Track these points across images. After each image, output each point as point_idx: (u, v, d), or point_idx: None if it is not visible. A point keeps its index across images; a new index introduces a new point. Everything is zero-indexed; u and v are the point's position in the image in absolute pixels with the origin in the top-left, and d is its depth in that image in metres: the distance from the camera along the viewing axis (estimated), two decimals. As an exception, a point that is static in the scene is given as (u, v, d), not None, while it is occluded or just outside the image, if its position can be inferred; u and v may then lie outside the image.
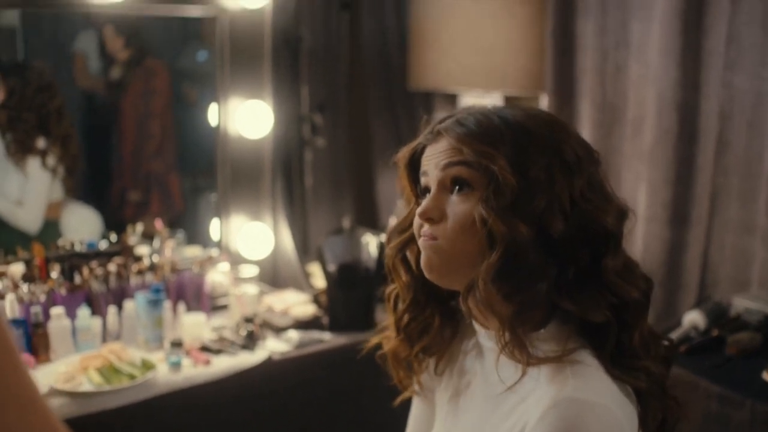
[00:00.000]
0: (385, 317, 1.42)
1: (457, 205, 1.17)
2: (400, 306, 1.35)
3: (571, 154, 1.15)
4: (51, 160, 2.94)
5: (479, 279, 1.14)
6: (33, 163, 2.91)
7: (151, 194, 3.40)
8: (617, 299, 1.15)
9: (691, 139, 2.84)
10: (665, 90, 2.83)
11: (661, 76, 2.84)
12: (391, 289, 1.37)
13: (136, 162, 3.40)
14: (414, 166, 1.28)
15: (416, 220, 1.22)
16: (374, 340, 1.45)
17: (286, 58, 3.40)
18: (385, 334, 1.42)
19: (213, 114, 3.24)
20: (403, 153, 1.29)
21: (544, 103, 3.23)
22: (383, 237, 2.90)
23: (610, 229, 1.15)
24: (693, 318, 2.59)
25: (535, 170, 1.13)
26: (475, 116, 1.19)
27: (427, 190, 1.23)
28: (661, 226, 2.92)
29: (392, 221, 3.31)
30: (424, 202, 1.20)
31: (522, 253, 1.11)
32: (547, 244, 1.13)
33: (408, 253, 1.31)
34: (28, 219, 2.95)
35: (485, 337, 1.24)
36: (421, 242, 1.21)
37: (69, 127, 3.01)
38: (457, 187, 1.18)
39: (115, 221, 3.16)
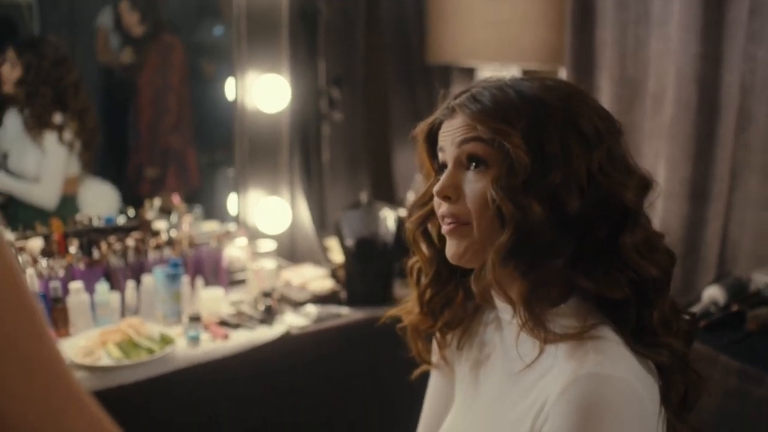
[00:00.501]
0: (404, 291, 1.42)
1: (473, 183, 1.16)
2: (423, 280, 1.35)
3: (589, 127, 1.14)
4: (68, 134, 2.94)
5: (488, 260, 1.14)
6: (50, 138, 2.92)
7: (168, 169, 3.40)
8: (636, 276, 1.14)
9: (711, 114, 2.81)
10: (686, 64, 2.79)
11: (681, 50, 2.80)
12: (413, 261, 1.37)
13: (153, 137, 3.40)
14: (432, 140, 1.27)
15: (435, 199, 1.21)
16: (393, 312, 1.45)
17: (304, 31, 3.38)
18: (406, 308, 1.41)
19: (230, 88, 3.23)
20: (421, 128, 1.28)
21: (562, 77, 3.20)
22: (401, 211, 2.90)
23: (628, 204, 1.14)
24: (713, 293, 2.57)
25: (550, 145, 1.11)
26: (491, 91, 1.17)
27: (444, 165, 1.22)
28: (680, 201, 2.89)
29: (410, 195, 3.30)
30: (441, 180, 1.20)
31: (534, 233, 1.10)
32: (563, 220, 1.12)
33: (429, 227, 1.30)
34: (46, 195, 2.96)
35: (504, 311, 1.23)
36: (443, 228, 1.21)
37: (86, 101, 3.01)
38: (473, 164, 1.17)
39: (132, 196, 3.17)
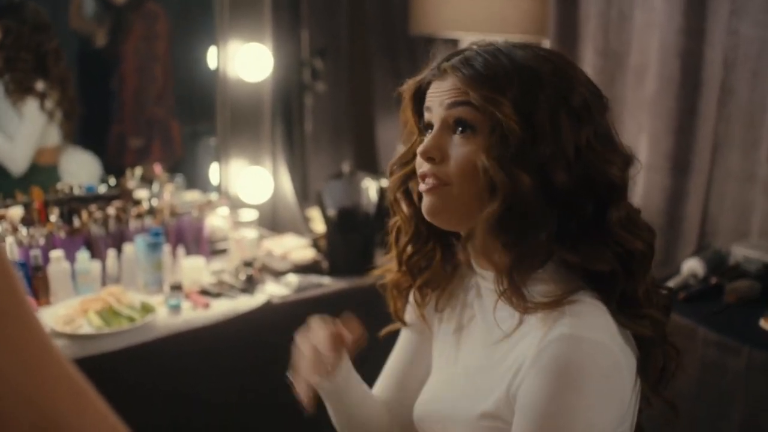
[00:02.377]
0: (385, 260, 1.42)
1: (459, 147, 1.16)
2: (402, 239, 1.35)
3: (579, 101, 1.13)
4: (49, 103, 2.92)
5: (477, 228, 1.14)
6: (31, 105, 2.89)
7: (153, 140, 3.38)
8: (622, 250, 1.15)
9: (694, 88, 2.82)
10: (669, 37, 2.80)
11: (665, 23, 2.80)
12: (394, 221, 1.36)
13: (138, 107, 3.37)
14: (419, 99, 1.26)
15: (418, 158, 1.20)
16: (378, 272, 1.45)
17: (287, 1, 3.36)
18: (388, 267, 1.42)
19: (212, 57, 3.21)
20: (409, 85, 1.27)
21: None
22: (383, 181, 2.90)
23: (615, 180, 1.14)
24: (692, 265, 2.59)
25: (541, 116, 1.11)
26: (484, 56, 1.16)
27: (429, 126, 1.21)
28: (662, 174, 2.91)
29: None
30: (426, 141, 1.19)
31: (523, 203, 1.10)
32: (550, 193, 1.12)
33: (410, 185, 1.30)
34: (15, 158, 2.92)
35: (485, 278, 1.24)
36: (421, 186, 1.20)
37: (66, 70, 2.98)
38: (459, 128, 1.16)
39: (115, 166, 3.14)
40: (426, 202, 1.20)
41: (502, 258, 1.15)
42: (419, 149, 1.19)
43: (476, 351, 1.27)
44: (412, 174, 1.27)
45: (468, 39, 3.35)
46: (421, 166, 1.20)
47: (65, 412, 0.66)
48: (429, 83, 1.23)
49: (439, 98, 1.19)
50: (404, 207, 1.32)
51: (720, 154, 2.80)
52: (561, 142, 1.11)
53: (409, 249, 1.35)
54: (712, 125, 2.79)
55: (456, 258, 1.36)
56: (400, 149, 1.34)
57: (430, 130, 1.20)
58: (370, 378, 1.76)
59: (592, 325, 1.09)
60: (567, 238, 1.15)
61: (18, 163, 2.94)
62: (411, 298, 1.43)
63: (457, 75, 1.16)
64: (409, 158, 1.29)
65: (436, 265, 1.35)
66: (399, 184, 1.31)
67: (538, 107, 1.11)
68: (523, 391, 1.10)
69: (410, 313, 1.46)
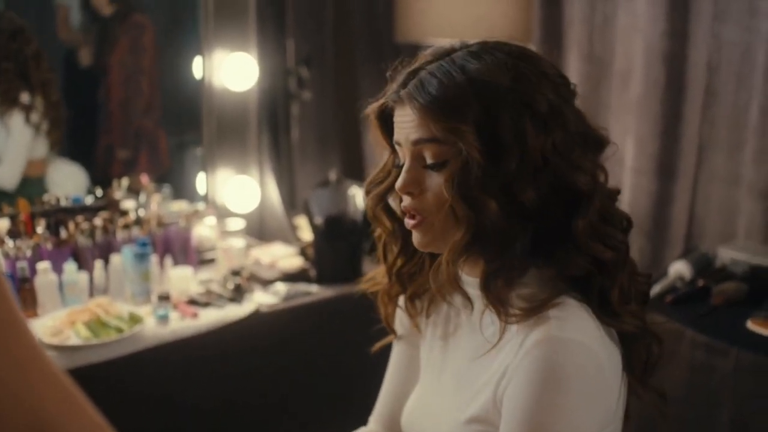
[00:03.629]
0: (372, 268, 1.42)
1: (433, 179, 1.16)
2: (391, 252, 1.35)
3: (544, 106, 1.11)
4: (35, 116, 2.91)
5: (443, 257, 1.15)
6: (17, 119, 2.88)
7: (140, 151, 3.37)
8: (596, 257, 1.14)
9: (678, 91, 2.83)
10: (653, 41, 2.81)
11: (648, 27, 2.82)
12: (378, 234, 1.37)
13: (125, 118, 3.36)
14: (385, 119, 1.25)
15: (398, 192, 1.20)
16: (362, 286, 1.45)
17: (272, 10, 3.36)
18: (373, 277, 1.42)
19: (198, 67, 3.21)
20: (373, 109, 1.25)
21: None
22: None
23: (582, 187, 1.13)
24: (679, 268, 2.60)
25: (504, 132, 1.09)
26: (437, 77, 1.13)
27: (399, 163, 1.21)
28: (648, 178, 2.92)
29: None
30: (402, 177, 1.18)
31: (489, 228, 1.11)
32: (518, 210, 1.12)
33: (390, 201, 1.30)
34: (6, 176, 2.92)
35: (470, 285, 1.24)
36: (407, 224, 1.20)
37: (48, 72, 2.97)
38: (429, 162, 1.16)
39: (102, 178, 3.13)
40: (415, 238, 1.21)
41: (480, 270, 1.16)
42: (397, 185, 1.19)
43: (463, 356, 1.27)
44: (390, 189, 1.27)
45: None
46: (403, 200, 1.20)
47: (56, 414, 0.67)
48: (392, 108, 1.21)
49: (404, 132, 1.17)
50: (386, 221, 1.32)
51: (705, 156, 2.82)
52: (526, 153, 1.10)
53: (400, 261, 1.35)
54: (697, 128, 2.81)
55: None
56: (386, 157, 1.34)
57: (404, 163, 1.19)
58: (361, 392, 1.76)
59: (575, 327, 1.10)
60: (541, 247, 1.15)
61: (10, 181, 2.94)
62: (401, 308, 1.43)
63: (415, 105, 1.14)
64: (384, 176, 1.29)
65: (426, 272, 1.35)
66: (377, 201, 1.31)
67: (501, 124, 1.09)
68: (509, 393, 1.11)
69: (402, 324, 1.46)
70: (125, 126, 3.37)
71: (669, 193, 2.91)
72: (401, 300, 1.41)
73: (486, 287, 1.14)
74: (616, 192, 1.23)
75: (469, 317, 1.28)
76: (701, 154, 2.82)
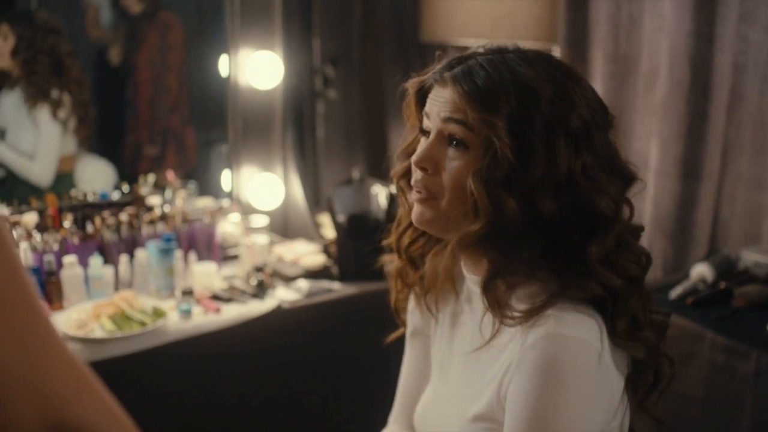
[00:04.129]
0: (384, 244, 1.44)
1: (452, 161, 1.17)
2: (401, 225, 1.37)
3: (578, 124, 1.13)
4: (62, 113, 2.95)
5: (451, 242, 1.17)
6: (44, 113, 2.93)
7: (167, 148, 3.41)
8: (601, 285, 1.14)
9: (703, 93, 2.82)
10: (679, 42, 2.80)
11: (674, 28, 2.81)
12: (400, 210, 1.38)
13: (152, 116, 3.40)
14: (422, 96, 1.26)
15: (413, 165, 1.22)
16: (385, 259, 1.47)
17: (298, 9, 3.39)
18: (392, 256, 1.43)
19: (224, 65, 3.24)
20: (413, 82, 1.28)
21: (556, 54, 3.21)
22: (393, 188, 2.91)
23: (603, 212, 1.14)
24: (701, 270, 2.58)
25: (535, 140, 1.11)
26: (486, 69, 1.15)
27: (427, 132, 1.22)
28: (672, 180, 2.91)
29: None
30: (420, 150, 1.20)
31: (504, 227, 1.12)
32: (534, 218, 1.13)
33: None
34: (41, 173, 2.97)
35: (474, 282, 1.25)
36: (413, 196, 1.22)
37: (80, 72, 3.02)
38: (454, 142, 1.17)
39: (130, 174, 3.17)
40: (415, 212, 1.22)
41: (486, 269, 1.17)
42: (413, 158, 1.21)
43: (468, 354, 1.28)
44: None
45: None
46: (415, 173, 1.21)
47: (69, 398, 0.68)
48: (431, 86, 1.23)
49: (437, 108, 1.19)
50: (407, 196, 1.32)
51: (730, 158, 2.80)
52: (554, 167, 1.11)
53: (407, 237, 1.36)
54: (722, 130, 2.79)
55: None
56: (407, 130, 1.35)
57: (427, 136, 1.21)
58: (382, 389, 1.77)
59: (574, 323, 1.10)
60: (552, 261, 1.15)
61: (45, 178, 2.99)
62: (411, 304, 1.44)
63: (457, 88, 1.16)
64: (412, 150, 1.29)
65: (436, 254, 1.36)
66: (402, 174, 1.32)
67: (533, 130, 1.11)
68: (511, 390, 1.12)
69: (414, 319, 1.46)
70: (153, 123, 3.41)
71: (693, 195, 2.90)
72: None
73: (486, 287, 1.16)
74: (640, 228, 1.24)
75: (472, 314, 1.29)
76: (726, 156, 2.81)
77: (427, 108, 1.22)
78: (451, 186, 1.16)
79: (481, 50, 1.22)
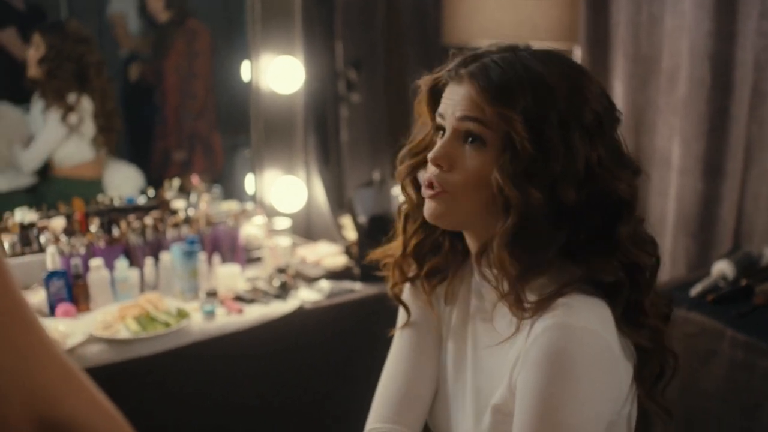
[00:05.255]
0: (391, 243, 1.42)
1: (469, 159, 1.18)
2: (410, 226, 1.36)
3: (591, 118, 1.15)
4: (74, 117, 3.00)
5: (494, 243, 1.16)
6: (55, 114, 2.99)
7: (195, 153, 3.46)
8: (629, 262, 1.16)
9: (725, 90, 2.81)
10: (699, 41, 2.79)
11: (695, 27, 2.80)
12: (402, 205, 1.38)
13: (180, 122, 3.45)
14: (435, 94, 1.27)
15: (429, 164, 1.22)
16: (375, 256, 1.43)
17: (320, 13, 3.42)
18: (389, 250, 1.41)
19: (246, 70, 3.28)
20: (426, 80, 1.28)
21: (577, 55, 3.21)
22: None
23: (624, 196, 1.16)
24: (722, 267, 2.57)
25: (552, 134, 1.12)
26: (501, 66, 1.16)
27: (441, 128, 1.23)
28: (695, 178, 2.90)
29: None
30: (437, 148, 1.21)
31: (534, 219, 1.13)
32: (559, 209, 1.14)
33: (419, 175, 1.31)
34: (25, 160, 3.02)
35: (485, 278, 1.24)
36: (426, 192, 1.22)
37: (107, 83, 3.07)
38: (470, 139, 1.18)
39: (158, 179, 3.21)
40: (428, 207, 1.22)
41: (510, 268, 1.16)
42: (430, 155, 1.21)
43: (480, 346, 1.28)
44: (422, 163, 1.29)
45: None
46: (429, 170, 1.22)
47: (58, 395, 0.70)
48: (445, 83, 1.24)
49: (452, 107, 1.20)
50: (412, 193, 1.33)
51: (753, 156, 2.79)
52: (572, 160, 1.13)
53: (418, 235, 1.35)
54: (745, 127, 2.78)
55: (465, 245, 1.34)
56: (416, 127, 1.36)
57: (441, 133, 1.23)
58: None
59: (582, 313, 1.11)
60: (575, 251, 1.17)
61: (28, 164, 3.03)
62: (408, 295, 1.42)
63: (473, 85, 1.17)
64: (420, 149, 1.31)
65: (445, 252, 1.36)
66: (408, 172, 1.33)
67: (549, 125, 1.12)
68: (520, 379, 1.13)
69: (415, 311, 1.42)
70: (180, 129, 3.45)
71: (716, 193, 2.88)
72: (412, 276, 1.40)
73: (512, 283, 1.15)
74: (641, 220, 1.24)
75: (483, 309, 1.29)
76: (749, 153, 2.79)
77: (441, 107, 1.23)
78: (469, 182, 1.17)
79: (493, 48, 1.23)
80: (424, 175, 1.26)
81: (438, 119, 1.24)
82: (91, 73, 3.01)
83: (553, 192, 1.13)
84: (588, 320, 1.11)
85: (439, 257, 1.37)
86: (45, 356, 0.70)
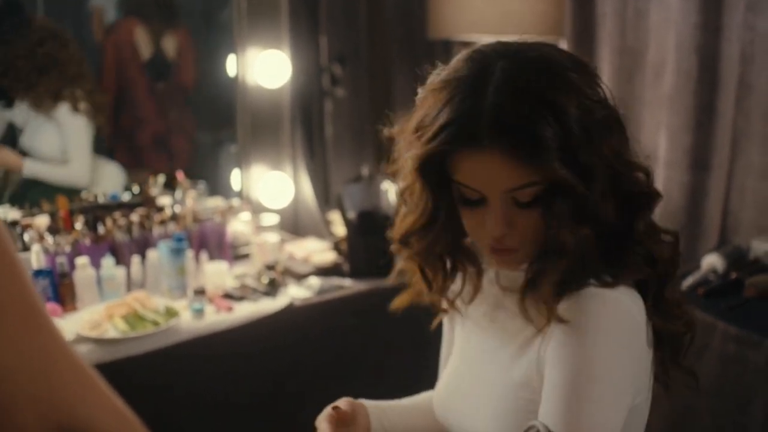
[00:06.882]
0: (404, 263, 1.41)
1: (527, 218, 1.13)
2: (437, 281, 1.33)
3: (603, 113, 1.11)
4: (82, 105, 2.95)
5: (544, 281, 1.13)
6: (63, 109, 2.93)
7: (179, 150, 3.42)
8: (649, 256, 1.16)
9: (711, 84, 2.81)
10: (686, 33, 2.80)
11: (681, 20, 2.80)
12: (407, 266, 1.37)
13: (162, 119, 3.41)
14: (433, 165, 1.14)
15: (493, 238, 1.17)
16: (401, 301, 1.46)
17: (305, 8, 3.39)
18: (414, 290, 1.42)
19: (231, 64, 3.25)
20: (419, 156, 1.14)
21: (563, 48, 3.20)
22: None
23: (643, 189, 1.15)
24: (711, 261, 2.58)
25: (586, 158, 1.07)
26: (517, 111, 1.06)
27: (469, 200, 1.15)
28: (681, 171, 2.91)
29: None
30: (497, 224, 1.12)
31: (585, 255, 1.11)
32: (601, 228, 1.12)
33: (438, 249, 1.27)
34: (80, 173, 2.98)
35: (513, 280, 1.24)
36: (491, 253, 1.18)
37: (82, 66, 3.01)
38: (525, 203, 1.12)
39: (140, 175, 3.18)
40: (497, 261, 1.20)
41: (551, 300, 1.13)
42: (494, 233, 1.13)
43: (505, 340, 1.27)
44: (438, 239, 1.23)
45: (485, 41, 3.36)
46: (487, 236, 1.16)
47: (76, 400, 0.68)
48: (455, 151, 1.12)
49: (489, 179, 1.11)
50: (438, 267, 1.30)
51: (739, 149, 2.80)
52: (600, 158, 1.09)
53: (447, 283, 1.34)
54: (731, 120, 2.78)
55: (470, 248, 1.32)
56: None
57: (476, 202, 1.14)
58: (393, 385, 1.77)
59: (615, 291, 1.11)
60: (605, 258, 1.14)
61: (82, 178, 3.01)
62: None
63: (503, 150, 1.07)
64: (426, 224, 1.22)
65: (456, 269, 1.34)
66: (426, 256, 1.28)
67: (581, 150, 1.07)
68: (551, 348, 1.12)
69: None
70: (162, 125, 3.41)
71: (703, 186, 2.89)
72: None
73: (548, 302, 1.13)
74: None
75: (505, 302, 1.28)
76: (735, 146, 2.80)
77: (468, 181, 1.12)
78: (529, 237, 1.14)
79: (491, 87, 1.09)
80: (483, 242, 1.19)
81: (464, 190, 1.14)
82: (70, 67, 2.95)
83: (597, 215, 1.10)
84: (616, 293, 1.11)
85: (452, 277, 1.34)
86: (62, 360, 0.69)
